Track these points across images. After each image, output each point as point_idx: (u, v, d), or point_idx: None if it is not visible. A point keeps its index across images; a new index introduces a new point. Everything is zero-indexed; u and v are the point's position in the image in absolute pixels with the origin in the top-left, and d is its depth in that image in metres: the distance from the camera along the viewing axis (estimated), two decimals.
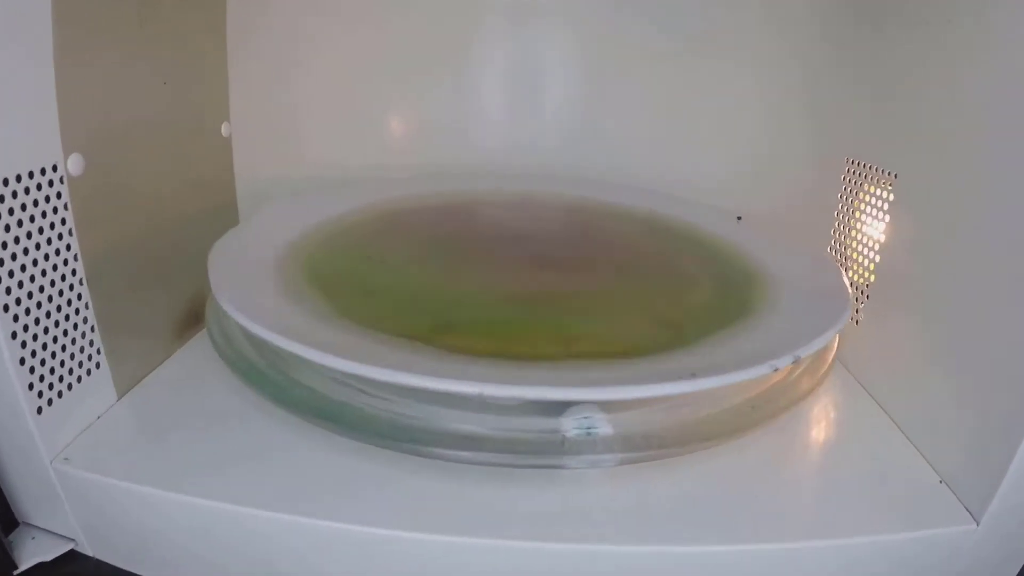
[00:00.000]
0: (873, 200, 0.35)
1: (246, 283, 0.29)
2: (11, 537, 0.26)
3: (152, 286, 0.33)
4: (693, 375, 0.21)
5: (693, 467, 0.26)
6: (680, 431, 0.24)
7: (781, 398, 0.26)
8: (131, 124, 0.31)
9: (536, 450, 0.23)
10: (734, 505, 0.25)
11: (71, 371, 0.27)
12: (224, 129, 0.40)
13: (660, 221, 0.40)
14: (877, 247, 0.35)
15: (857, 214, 0.37)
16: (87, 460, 0.26)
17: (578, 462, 0.23)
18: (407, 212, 0.39)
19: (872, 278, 0.35)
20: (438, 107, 0.45)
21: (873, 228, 0.35)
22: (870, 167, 0.36)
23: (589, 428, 0.24)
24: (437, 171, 0.45)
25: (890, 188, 0.34)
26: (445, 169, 0.45)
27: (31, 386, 0.25)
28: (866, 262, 0.36)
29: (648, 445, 0.23)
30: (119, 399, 0.30)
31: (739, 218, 0.40)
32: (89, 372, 0.28)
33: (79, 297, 0.27)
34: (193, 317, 0.36)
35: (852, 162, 0.38)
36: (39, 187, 0.25)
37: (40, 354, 0.25)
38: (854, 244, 0.37)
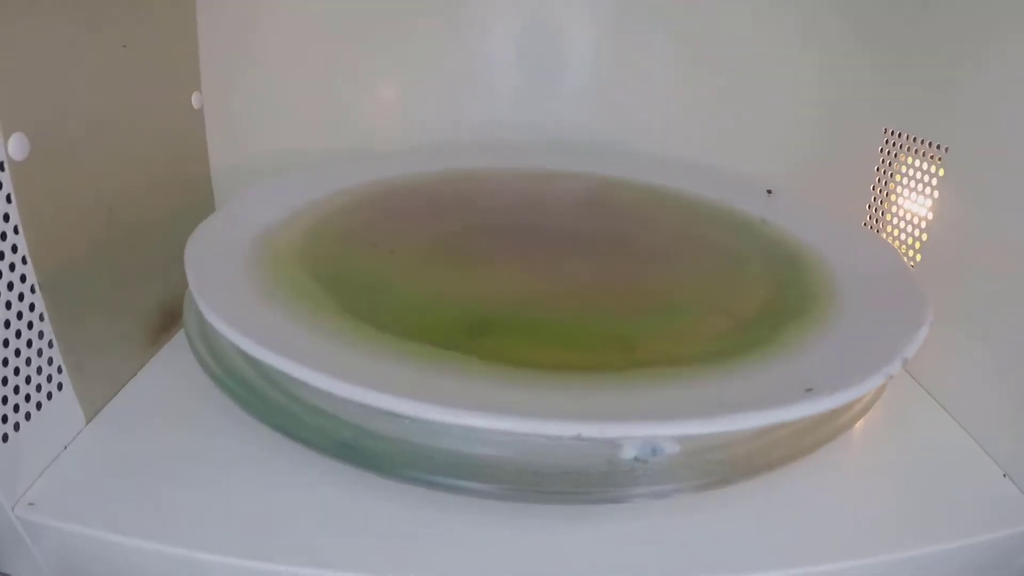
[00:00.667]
0: (917, 174, 0.33)
1: (233, 283, 0.24)
2: None
3: (120, 286, 0.28)
4: (809, 391, 0.18)
5: (755, 487, 0.23)
6: (764, 447, 0.21)
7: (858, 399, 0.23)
8: (86, 96, 0.26)
9: (589, 481, 0.20)
10: (801, 528, 0.22)
11: (28, 397, 0.23)
12: (195, 100, 0.35)
13: (693, 199, 0.37)
14: (924, 225, 0.32)
15: (899, 189, 0.34)
16: (55, 505, 0.22)
17: (640, 491, 0.20)
18: (413, 192, 0.35)
19: (918, 257, 0.32)
20: (439, 69, 0.40)
21: (918, 204, 0.33)
22: (913, 139, 0.33)
23: (655, 447, 0.21)
24: (441, 144, 0.40)
25: (939, 162, 0.31)
26: (450, 141, 0.40)
27: None
28: (910, 240, 0.33)
29: (730, 469, 0.20)
30: (88, 423, 0.25)
31: (769, 191, 0.38)
32: (50, 396, 0.24)
33: (31, 308, 0.23)
34: (168, 317, 0.31)
35: (891, 132, 0.35)
36: None
37: None
38: (895, 220, 0.35)
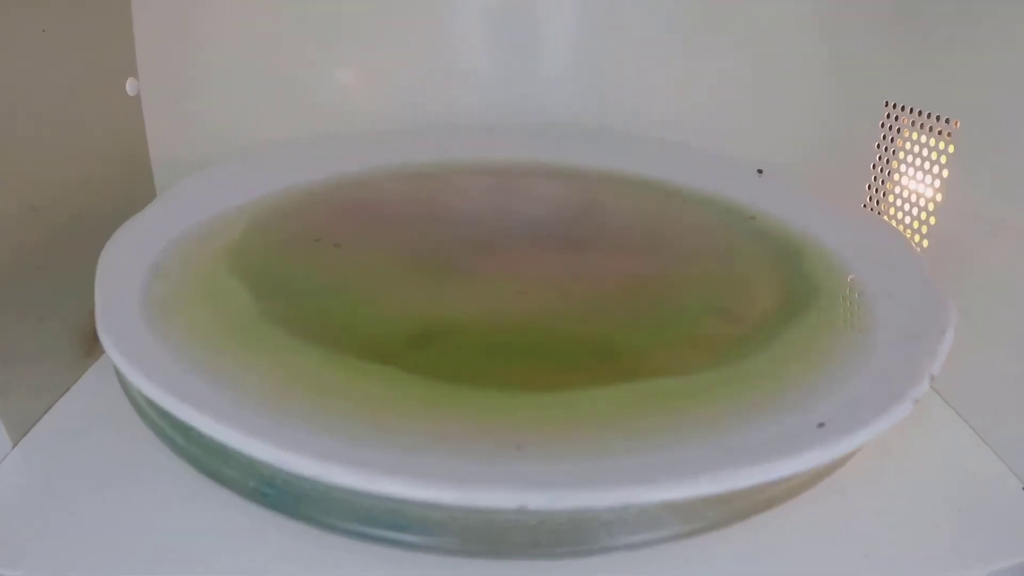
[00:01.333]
0: (923, 151, 0.30)
1: (146, 306, 0.22)
2: None
3: (49, 293, 0.26)
4: (821, 426, 0.15)
5: (751, 521, 0.20)
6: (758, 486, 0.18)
7: None
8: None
9: (554, 529, 0.17)
10: (806, 564, 0.20)
11: None
12: (130, 87, 0.32)
13: (679, 184, 0.34)
14: (931, 207, 0.30)
15: (902, 168, 0.32)
16: None
17: (613, 541, 0.17)
18: (371, 184, 0.32)
19: (925, 243, 0.30)
20: (405, 46, 0.37)
21: (924, 185, 0.30)
22: (919, 112, 0.31)
23: None
24: (405, 131, 0.38)
25: (948, 138, 0.29)
26: (415, 129, 0.38)
27: None
28: (916, 224, 0.31)
29: (721, 512, 0.17)
30: (14, 446, 0.23)
31: (760, 171, 0.35)
32: None
33: None
34: None
35: (893, 105, 0.32)
36: None
37: None
38: (898, 203, 0.32)
